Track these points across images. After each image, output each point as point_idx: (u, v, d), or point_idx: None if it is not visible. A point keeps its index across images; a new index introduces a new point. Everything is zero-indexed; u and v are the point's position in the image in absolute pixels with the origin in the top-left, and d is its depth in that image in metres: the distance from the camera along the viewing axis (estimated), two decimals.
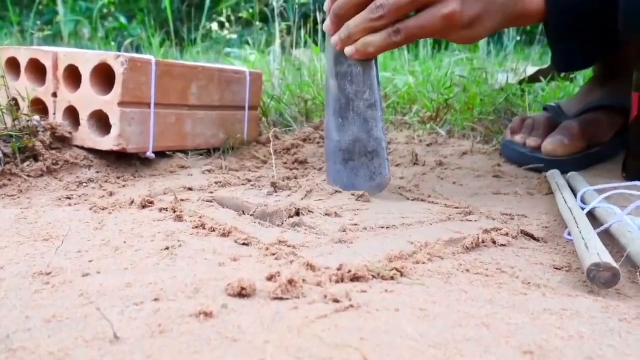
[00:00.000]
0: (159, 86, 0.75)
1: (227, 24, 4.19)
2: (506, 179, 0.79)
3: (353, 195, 0.63)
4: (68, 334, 0.31)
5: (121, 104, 0.70)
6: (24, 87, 0.76)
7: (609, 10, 0.64)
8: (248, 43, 2.82)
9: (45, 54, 0.75)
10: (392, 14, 0.58)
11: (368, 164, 0.64)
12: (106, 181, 0.69)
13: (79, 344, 0.30)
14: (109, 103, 0.71)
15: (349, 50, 0.61)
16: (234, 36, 4.13)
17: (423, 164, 0.86)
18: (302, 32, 1.67)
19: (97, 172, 0.71)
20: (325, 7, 0.64)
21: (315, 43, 1.76)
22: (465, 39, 0.62)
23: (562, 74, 1.31)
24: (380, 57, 1.82)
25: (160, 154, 0.78)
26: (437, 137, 1.06)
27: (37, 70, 0.76)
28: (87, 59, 0.72)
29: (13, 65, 0.79)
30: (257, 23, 2.62)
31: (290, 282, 0.36)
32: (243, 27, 4.31)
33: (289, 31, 1.63)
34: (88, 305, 0.34)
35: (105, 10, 4.16)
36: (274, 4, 1.49)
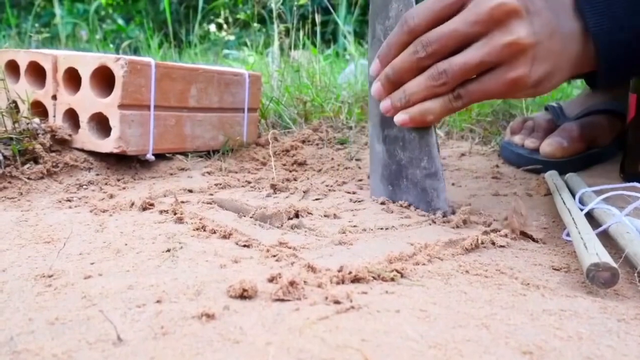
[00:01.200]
0: (159, 88, 0.75)
1: (224, 26, 4.19)
2: (505, 180, 0.79)
3: (347, 193, 0.64)
4: (71, 336, 0.31)
5: (121, 106, 0.70)
6: (24, 90, 0.76)
7: None
8: (246, 44, 2.83)
9: (44, 56, 0.75)
10: (456, 80, 0.52)
11: None
12: (106, 183, 0.69)
13: (82, 346, 0.30)
14: (109, 105, 0.71)
15: (400, 118, 0.56)
16: (232, 37, 4.13)
17: None
18: (301, 33, 1.67)
19: (97, 175, 0.71)
20: (372, 71, 0.58)
21: (314, 44, 1.77)
22: (531, 95, 0.56)
23: None
24: None
25: (160, 156, 0.79)
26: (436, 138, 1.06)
27: (37, 72, 0.77)
28: (86, 62, 0.72)
29: (13, 67, 0.79)
30: (255, 24, 2.62)
31: (292, 283, 0.36)
32: (241, 28, 4.31)
33: (287, 33, 1.64)
34: (90, 308, 0.35)
35: (102, 13, 4.16)
36: (272, 5, 1.49)
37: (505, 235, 0.52)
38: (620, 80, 0.64)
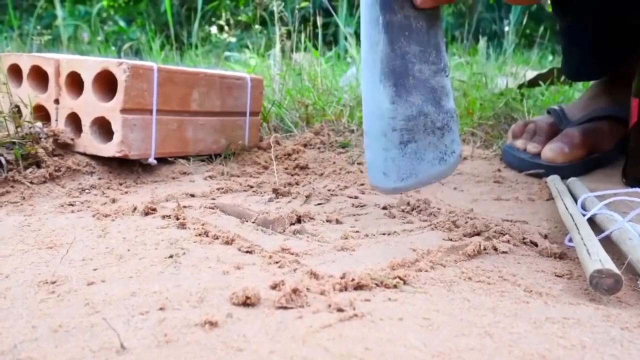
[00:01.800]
0: (161, 93, 0.75)
1: (225, 27, 4.19)
2: (507, 185, 0.79)
3: (349, 198, 0.63)
4: (75, 344, 0.31)
5: (123, 110, 0.70)
6: (26, 94, 0.76)
7: None
8: (247, 47, 2.83)
9: (47, 60, 0.75)
10: None
11: (437, 143, 0.51)
12: (108, 187, 0.69)
13: (85, 354, 0.30)
14: (111, 110, 0.71)
15: None
16: (233, 39, 4.13)
17: None
18: (302, 35, 1.67)
19: (99, 179, 0.71)
20: None
21: (315, 47, 1.77)
22: None
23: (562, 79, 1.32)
24: None
25: (162, 160, 0.79)
26: None
27: (39, 76, 0.77)
28: (89, 66, 0.72)
29: (15, 71, 0.79)
30: (257, 26, 2.62)
31: (295, 291, 0.36)
32: (242, 30, 4.31)
33: (288, 35, 1.64)
34: (94, 315, 0.35)
35: (104, 14, 4.16)
36: (274, 9, 1.49)
37: (508, 241, 0.52)
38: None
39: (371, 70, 0.49)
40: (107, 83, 0.73)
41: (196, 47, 2.17)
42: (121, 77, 0.70)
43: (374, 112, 0.50)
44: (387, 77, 0.49)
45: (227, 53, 2.73)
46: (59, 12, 2.06)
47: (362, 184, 0.76)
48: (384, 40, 0.48)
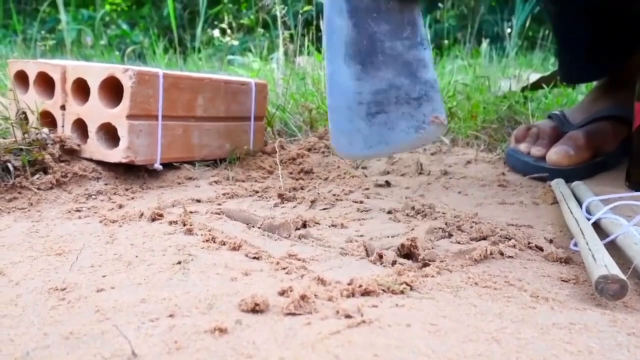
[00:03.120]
0: (166, 98, 0.75)
1: (228, 31, 4.20)
2: (511, 188, 0.79)
3: (355, 202, 0.63)
4: (86, 351, 0.31)
5: (129, 116, 0.71)
6: (33, 100, 0.77)
7: None
8: (250, 50, 2.83)
9: (53, 67, 0.76)
10: None
11: (413, 113, 0.51)
12: (115, 193, 0.70)
13: None
14: (117, 116, 0.71)
15: None
16: (236, 42, 4.13)
17: (428, 174, 0.87)
18: (305, 39, 1.67)
19: (106, 184, 0.71)
20: None
21: (318, 51, 1.77)
22: None
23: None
24: None
25: (168, 165, 0.79)
26: (442, 145, 1.07)
27: (46, 83, 0.77)
28: (95, 72, 0.73)
29: (22, 78, 0.80)
30: (259, 30, 2.63)
31: (303, 297, 0.37)
32: (244, 33, 4.32)
33: (291, 39, 1.64)
34: (104, 322, 0.35)
35: (107, 18, 4.18)
36: (277, 13, 1.50)
37: (514, 246, 0.52)
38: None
39: (335, 54, 0.51)
40: (113, 89, 0.73)
41: (199, 50, 2.17)
42: (127, 84, 0.71)
43: (338, 89, 0.51)
44: (352, 57, 0.50)
45: (230, 56, 2.74)
46: (63, 16, 2.08)
47: (367, 189, 0.76)
48: (349, 25, 0.50)
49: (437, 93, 0.52)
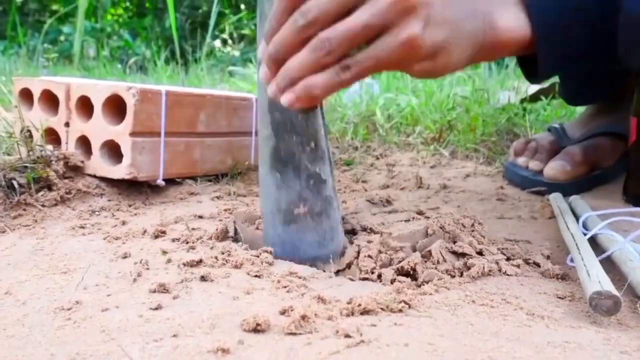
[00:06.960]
0: (169, 115, 0.77)
1: (229, 41, 4.22)
2: (509, 202, 0.80)
3: (354, 217, 0.64)
4: None
5: (132, 134, 0.72)
6: (37, 118, 0.78)
7: (610, 27, 0.54)
8: (251, 61, 2.85)
9: (57, 85, 0.77)
10: (342, 47, 0.45)
11: (316, 228, 0.54)
12: (118, 209, 0.71)
13: None
14: (121, 133, 0.72)
15: (287, 98, 0.47)
16: (237, 53, 4.15)
17: (427, 187, 0.88)
18: None
19: (109, 200, 0.72)
20: (259, 53, 0.52)
21: None
22: (428, 71, 0.50)
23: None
24: (383, 76, 1.85)
25: (170, 181, 0.80)
26: (441, 158, 1.08)
27: (50, 100, 0.79)
28: (98, 90, 0.74)
29: (26, 95, 0.81)
30: None
31: (303, 317, 0.37)
32: (245, 44, 4.34)
33: None
34: (109, 342, 0.36)
35: (109, 29, 4.20)
36: None
37: (512, 263, 0.53)
38: (567, 63, 0.59)
39: (265, 160, 0.55)
40: (116, 105, 0.74)
41: (200, 60, 2.19)
42: (130, 102, 0.72)
43: (266, 194, 0.55)
44: (274, 166, 0.54)
45: (231, 67, 2.75)
46: (77, 34, 2.09)
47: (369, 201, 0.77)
48: (269, 135, 0.53)
49: (335, 212, 0.55)
